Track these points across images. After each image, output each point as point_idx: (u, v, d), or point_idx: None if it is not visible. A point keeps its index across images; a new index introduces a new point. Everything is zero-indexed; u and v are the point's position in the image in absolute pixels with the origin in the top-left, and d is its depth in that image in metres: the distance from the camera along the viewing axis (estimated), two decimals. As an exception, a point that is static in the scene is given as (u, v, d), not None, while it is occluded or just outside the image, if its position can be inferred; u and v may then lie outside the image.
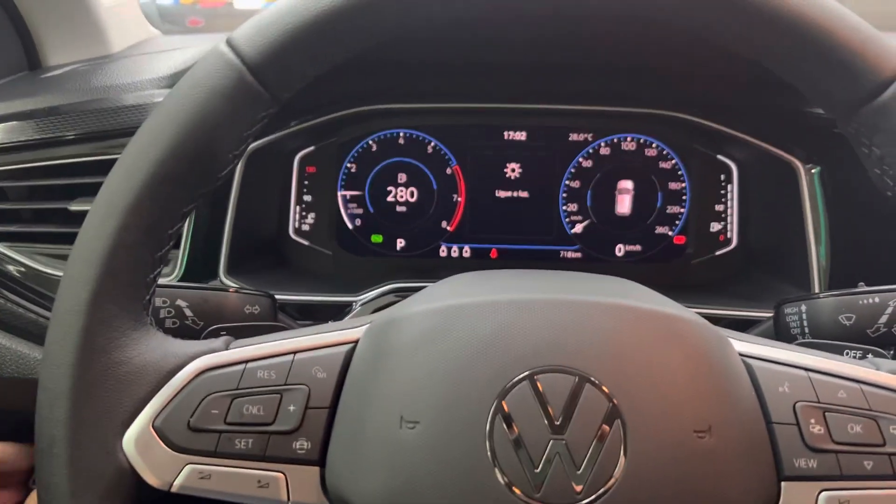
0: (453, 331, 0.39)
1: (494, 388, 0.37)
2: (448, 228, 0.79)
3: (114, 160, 0.66)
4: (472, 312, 0.40)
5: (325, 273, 0.78)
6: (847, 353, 0.50)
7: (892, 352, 0.55)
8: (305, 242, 0.79)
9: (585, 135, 0.78)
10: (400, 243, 0.79)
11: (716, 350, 0.41)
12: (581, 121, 0.77)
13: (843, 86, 0.40)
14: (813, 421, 0.40)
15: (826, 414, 0.40)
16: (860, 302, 0.54)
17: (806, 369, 0.41)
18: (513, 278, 0.44)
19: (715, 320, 0.69)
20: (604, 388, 0.37)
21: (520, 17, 0.43)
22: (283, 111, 0.73)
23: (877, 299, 0.53)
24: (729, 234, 0.78)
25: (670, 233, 0.79)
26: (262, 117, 0.42)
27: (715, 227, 0.78)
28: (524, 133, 0.78)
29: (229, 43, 0.40)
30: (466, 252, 0.80)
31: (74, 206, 0.68)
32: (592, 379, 0.37)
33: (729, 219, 0.78)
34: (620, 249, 0.79)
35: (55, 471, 0.39)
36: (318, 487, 0.40)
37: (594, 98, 0.76)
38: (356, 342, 0.42)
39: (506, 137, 0.78)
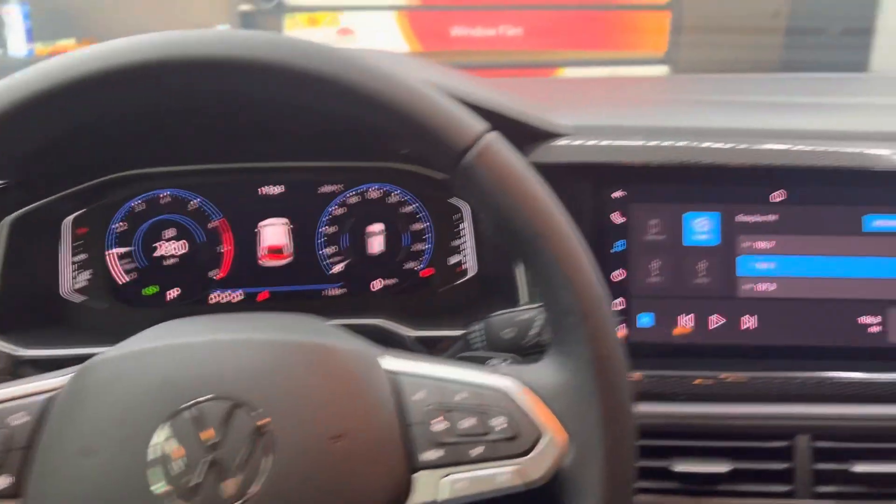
0: (131, 372, 0.48)
1: (160, 417, 0.46)
2: (217, 277, 0.87)
3: None
4: (147, 356, 0.49)
5: (102, 327, 0.85)
6: (489, 362, 0.62)
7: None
8: (81, 299, 0.85)
9: (336, 186, 0.88)
10: (172, 294, 0.87)
11: (360, 369, 0.51)
12: (331, 175, 0.88)
13: (436, 155, 0.51)
14: (439, 419, 0.50)
15: (447, 413, 0.50)
16: (517, 318, 0.66)
17: (436, 379, 0.51)
18: (196, 323, 0.53)
19: (447, 340, 0.81)
20: (252, 409, 0.47)
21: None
22: (50, 179, 0.80)
23: (529, 314, 0.65)
24: (466, 266, 0.90)
25: (418, 267, 0.90)
26: None
27: (454, 259, 0.90)
28: (282, 187, 0.88)
29: None
30: (237, 297, 0.88)
31: None
32: (244, 403, 0.47)
33: (465, 252, 0.90)
34: (376, 285, 0.90)
35: None
36: None
37: (342, 155, 0.87)
38: (59, 388, 0.49)
39: (263, 192, 0.88)
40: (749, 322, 0.77)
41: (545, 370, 0.52)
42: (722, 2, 4.06)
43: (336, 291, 0.89)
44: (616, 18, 4.11)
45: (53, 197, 0.81)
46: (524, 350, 0.64)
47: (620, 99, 1.22)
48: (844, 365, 0.75)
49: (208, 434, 0.46)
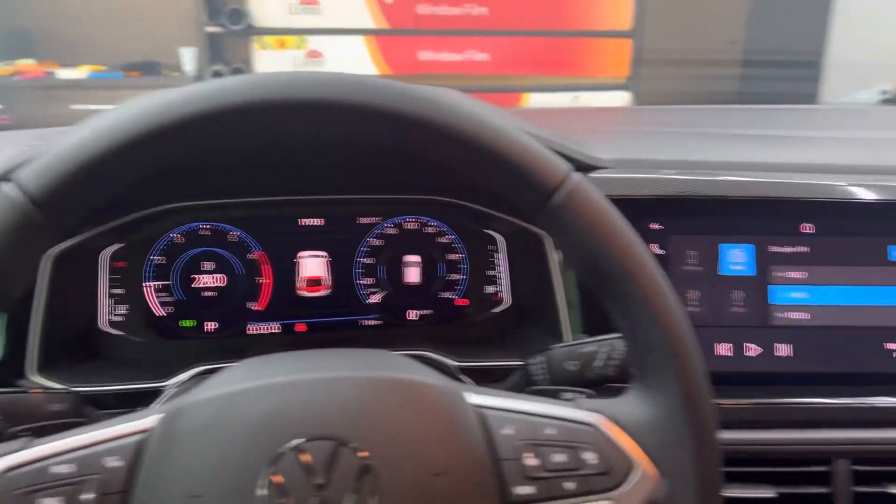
0: (228, 414, 0.47)
1: (264, 459, 0.46)
2: (255, 308, 0.87)
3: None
4: (244, 397, 0.48)
5: (141, 360, 0.83)
6: (562, 395, 0.63)
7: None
8: (119, 333, 0.84)
9: (373, 218, 0.89)
10: (210, 326, 0.86)
11: (450, 405, 0.51)
12: (369, 207, 0.89)
13: (524, 194, 0.52)
14: (530, 455, 0.50)
15: (538, 448, 0.51)
16: (580, 350, 0.67)
17: (524, 413, 0.52)
18: (284, 361, 0.53)
19: (492, 370, 0.82)
20: (357, 448, 0.47)
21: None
22: (92, 214, 0.78)
23: (592, 347, 0.67)
24: (501, 295, 0.91)
25: (453, 297, 0.91)
26: (50, 243, 0.48)
27: (490, 289, 0.91)
28: (321, 219, 0.88)
29: (16, 182, 0.46)
30: (275, 328, 0.88)
31: None
32: (347, 442, 0.47)
33: (500, 282, 0.91)
34: (412, 314, 0.90)
35: None
36: None
37: (379, 188, 0.88)
38: (149, 430, 0.48)
39: (302, 224, 0.88)
40: (784, 350, 0.80)
41: (632, 405, 0.53)
42: (681, 31, 4.18)
43: (372, 322, 0.90)
44: (579, 45, 4.21)
45: (92, 232, 0.80)
46: (589, 383, 0.65)
47: (618, 131, 1.25)
48: (876, 390, 0.78)
49: (314, 475, 0.46)
